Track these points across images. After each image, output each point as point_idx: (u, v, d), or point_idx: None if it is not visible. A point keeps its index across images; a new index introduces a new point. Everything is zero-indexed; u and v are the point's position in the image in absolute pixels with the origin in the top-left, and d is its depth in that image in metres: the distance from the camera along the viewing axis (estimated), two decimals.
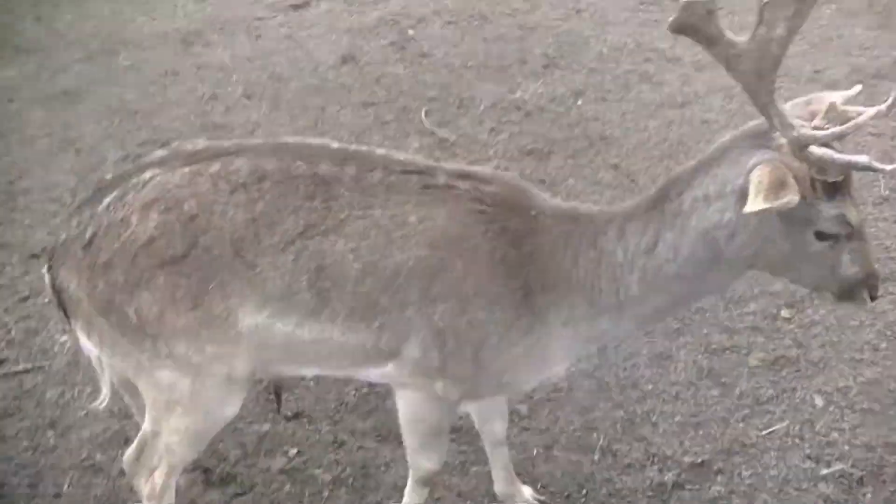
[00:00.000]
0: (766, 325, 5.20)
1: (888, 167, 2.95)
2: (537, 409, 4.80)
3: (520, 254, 3.35)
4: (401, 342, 3.43)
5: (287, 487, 4.52)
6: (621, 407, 4.80)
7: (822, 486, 4.35)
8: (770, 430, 4.64)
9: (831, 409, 4.71)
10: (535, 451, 4.60)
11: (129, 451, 3.90)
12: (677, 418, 4.73)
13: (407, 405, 3.69)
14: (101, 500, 4.49)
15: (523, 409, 4.80)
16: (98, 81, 8.18)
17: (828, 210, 3.10)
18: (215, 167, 3.36)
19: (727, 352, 5.07)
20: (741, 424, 4.68)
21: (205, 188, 3.32)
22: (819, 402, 4.74)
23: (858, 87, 3.23)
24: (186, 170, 3.36)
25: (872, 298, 3.35)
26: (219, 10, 9.37)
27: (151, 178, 3.36)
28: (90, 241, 3.37)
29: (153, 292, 3.33)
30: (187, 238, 3.29)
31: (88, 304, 3.43)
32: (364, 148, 3.55)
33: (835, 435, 4.57)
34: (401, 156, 3.53)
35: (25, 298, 5.55)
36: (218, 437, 4.63)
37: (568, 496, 4.41)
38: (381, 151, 3.52)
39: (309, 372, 3.84)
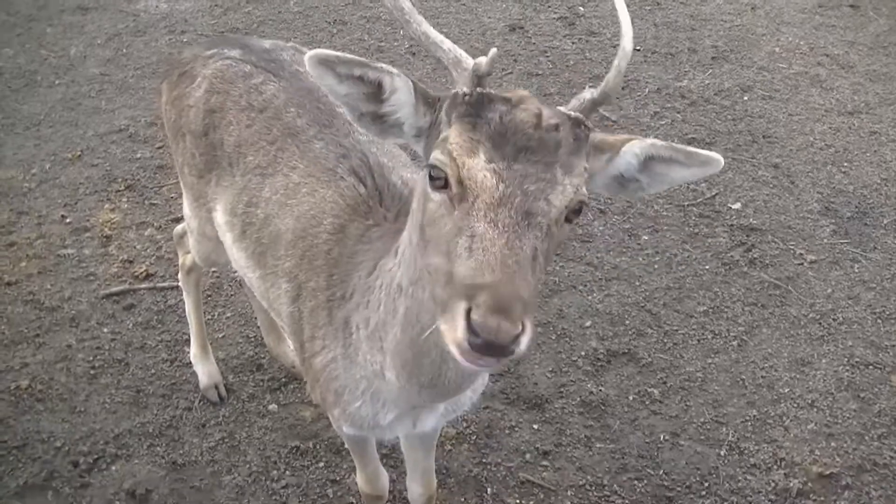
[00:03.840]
0: None
1: None
2: (669, 395, 4.74)
3: (342, 257, 3.08)
4: (280, 307, 3.41)
5: None
6: (754, 406, 4.71)
7: None
8: None
9: None
10: (661, 437, 4.54)
11: (179, 228, 4.73)
12: (810, 426, 4.62)
13: None
14: (229, 420, 4.60)
15: (655, 392, 4.74)
16: (267, 23, 8.30)
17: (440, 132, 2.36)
18: (258, 79, 3.67)
19: (870, 367, 4.92)
20: (876, 443, 4.55)
21: (235, 93, 3.65)
22: None
23: None
24: (245, 69, 3.71)
25: (473, 330, 1.97)
26: None
27: (228, 59, 3.79)
28: (179, 76, 3.91)
29: (183, 146, 3.84)
30: (204, 125, 3.69)
31: (165, 116, 4.06)
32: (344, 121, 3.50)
33: None
34: (358, 137, 3.44)
35: (178, 219, 5.67)
36: None
37: (689, 486, 4.35)
38: (349, 129, 3.46)
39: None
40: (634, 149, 2.44)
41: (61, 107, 7.11)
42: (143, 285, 5.38)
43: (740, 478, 4.39)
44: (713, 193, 6.09)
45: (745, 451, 4.50)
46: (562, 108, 2.33)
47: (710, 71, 7.48)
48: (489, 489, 4.31)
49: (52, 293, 5.33)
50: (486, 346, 1.98)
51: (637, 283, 5.41)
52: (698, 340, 5.05)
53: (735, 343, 5.04)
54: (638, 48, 7.78)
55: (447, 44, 2.42)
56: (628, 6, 7.46)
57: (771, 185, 6.18)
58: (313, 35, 8.08)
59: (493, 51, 2.34)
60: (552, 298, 5.28)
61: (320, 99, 3.54)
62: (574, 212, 2.27)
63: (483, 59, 2.30)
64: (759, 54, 7.77)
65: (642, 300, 5.30)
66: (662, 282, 5.42)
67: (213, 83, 3.71)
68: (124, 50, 7.90)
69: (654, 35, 8.02)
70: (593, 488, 4.34)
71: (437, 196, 2.25)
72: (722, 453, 4.49)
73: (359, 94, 2.42)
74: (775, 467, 4.44)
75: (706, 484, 4.36)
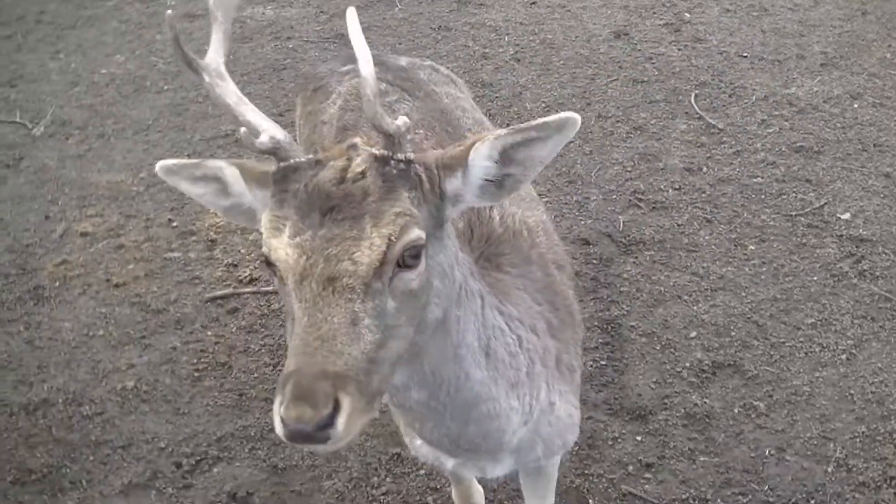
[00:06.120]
0: None
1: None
2: (775, 409, 4.64)
3: None
4: None
5: None
6: (863, 422, 4.58)
7: None
8: None
9: None
10: (767, 451, 4.45)
11: None
12: None
13: None
14: None
15: (761, 405, 4.65)
16: (372, 29, 8.36)
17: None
18: (392, 98, 3.64)
19: None
20: None
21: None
22: None
23: None
24: (381, 87, 3.56)
25: (283, 422, 1.92)
26: None
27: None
28: (314, 91, 4.03)
29: None
30: (337, 142, 3.53)
31: (298, 130, 4.17)
32: None
33: None
34: None
35: None
36: None
37: (795, 503, 4.24)
38: None
39: None
40: (482, 152, 2.20)
41: (169, 112, 7.26)
42: (246, 289, 5.45)
43: (848, 496, 4.27)
44: (822, 203, 5.96)
45: (854, 469, 4.38)
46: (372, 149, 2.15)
47: (819, 78, 7.33)
48: (591, 501, 4.27)
49: (159, 296, 5.44)
50: (295, 435, 1.91)
51: (743, 294, 5.31)
52: (805, 353, 4.94)
53: (844, 357, 4.92)
54: (745, 55, 7.67)
55: (267, 128, 2.23)
56: (734, 11, 7.34)
57: (882, 195, 6.02)
58: (418, 41, 8.14)
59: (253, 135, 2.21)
60: (657, 308, 5.22)
61: (451, 122, 3.54)
62: (412, 256, 2.08)
63: (265, 137, 2.16)
64: (869, 60, 7.58)
65: (748, 311, 5.20)
66: (769, 293, 5.32)
67: (347, 100, 3.72)
68: (231, 56, 7.96)
69: (761, 41, 7.88)
70: (696, 502, 4.26)
71: (274, 279, 2.17)
72: (829, 470, 4.38)
73: (212, 192, 2.37)
74: (885, 486, 4.31)
75: (812, 501, 4.25)
